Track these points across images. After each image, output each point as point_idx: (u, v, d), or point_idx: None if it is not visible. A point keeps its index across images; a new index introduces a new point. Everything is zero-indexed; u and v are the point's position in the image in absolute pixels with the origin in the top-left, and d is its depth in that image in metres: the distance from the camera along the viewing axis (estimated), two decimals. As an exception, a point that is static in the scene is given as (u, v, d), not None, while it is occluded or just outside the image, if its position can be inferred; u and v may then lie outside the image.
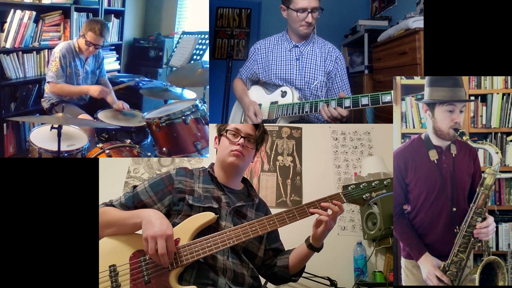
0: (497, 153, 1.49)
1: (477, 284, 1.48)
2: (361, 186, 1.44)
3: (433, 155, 1.61)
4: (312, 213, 1.38)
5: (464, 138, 1.52)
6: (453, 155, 1.62)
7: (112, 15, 3.76)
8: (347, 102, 1.86)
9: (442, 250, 1.59)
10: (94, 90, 2.73)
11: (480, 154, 2.14)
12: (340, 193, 1.42)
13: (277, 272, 1.50)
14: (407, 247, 1.67)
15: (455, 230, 1.57)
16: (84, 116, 2.63)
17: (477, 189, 1.52)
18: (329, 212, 1.37)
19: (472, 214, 1.52)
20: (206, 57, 3.45)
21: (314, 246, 1.42)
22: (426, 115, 1.64)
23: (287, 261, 1.49)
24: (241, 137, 1.51)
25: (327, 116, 1.90)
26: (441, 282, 1.54)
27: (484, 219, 1.52)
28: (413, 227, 1.66)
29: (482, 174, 1.54)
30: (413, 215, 1.68)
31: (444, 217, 1.61)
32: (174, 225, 1.36)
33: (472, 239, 1.52)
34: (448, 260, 1.55)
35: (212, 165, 1.60)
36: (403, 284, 1.75)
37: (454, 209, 1.59)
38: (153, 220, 1.29)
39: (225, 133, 1.54)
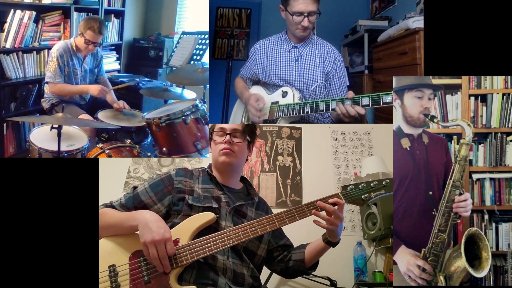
0: (468, 125, 1.52)
1: (463, 256, 1.44)
2: (360, 186, 1.44)
3: (405, 143, 1.63)
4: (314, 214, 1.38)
5: (435, 120, 1.57)
6: (425, 143, 1.64)
7: (112, 15, 3.76)
8: (365, 101, 1.82)
9: (419, 238, 1.57)
10: (93, 89, 2.73)
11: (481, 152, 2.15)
12: (339, 194, 1.43)
13: (293, 266, 1.52)
14: None
15: (433, 213, 1.56)
16: (84, 116, 2.63)
17: (453, 161, 1.53)
18: (329, 210, 1.37)
19: (450, 188, 1.52)
20: (206, 58, 3.45)
21: (330, 241, 1.44)
22: (395, 104, 1.66)
23: (303, 255, 1.51)
24: (227, 134, 1.52)
25: (342, 113, 1.85)
26: (422, 272, 1.51)
27: (461, 193, 1.52)
28: None
29: (457, 146, 1.55)
30: None
31: (419, 202, 1.60)
32: (174, 225, 1.37)
33: (452, 214, 1.51)
34: (428, 243, 1.53)
35: (211, 165, 1.61)
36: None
37: (430, 192, 1.59)
38: (149, 224, 1.29)
39: (212, 135, 1.56)
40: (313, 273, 2.22)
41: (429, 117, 1.58)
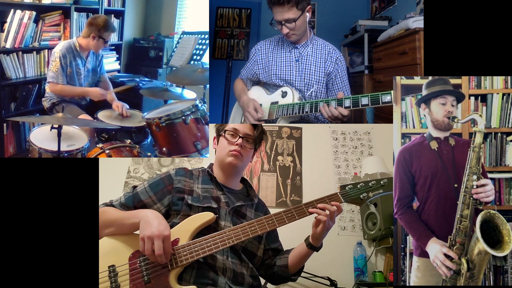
0: (480, 116, 1.63)
1: (480, 239, 1.47)
2: (358, 186, 1.44)
3: (434, 144, 1.77)
4: (311, 213, 1.38)
5: (456, 120, 1.71)
6: (452, 145, 1.77)
7: (112, 15, 3.76)
8: (347, 102, 1.87)
9: (450, 230, 1.63)
10: (94, 93, 2.73)
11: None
12: (338, 193, 1.43)
13: (277, 272, 1.50)
14: (415, 236, 1.73)
15: (457, 202, 1.62)
16: (84, 116, 2.63)
17: (468, 150, 1.62)
18: (327, 212, 1.37)
19: (467, 174, 1.60)
20: (206, 58, 3.45)
21: (313, 245, 1.42)
22: (425, 113, 1.82)
23: (286, 261, 1.49)
24: (240, 137, 1.51)
25: (328, 115, 1.90)
26: (448, 259, 1.56)
27: (479, 178, 1.59)
28: (421, 218, 1.74)
29: (472, 135, 1.64)
30: (422, 206, 1.76)
31: (449, 197, 1.69)
32: (173, 225, 1.36)
33: (472, 199, 1.58)
34: (453, 230, 1.59)
35: (211, 165, 1.61)
36: (410, 284, 1.78)
37: (456, 185, 1.68)
38: (150, 221, 1.29)
39: (223, 134, 1.54)
40: (313, 273, 2.24)
41: (451, 118, 1.73)
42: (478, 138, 1.61)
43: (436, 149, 1.76)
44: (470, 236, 1.56)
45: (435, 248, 1.61)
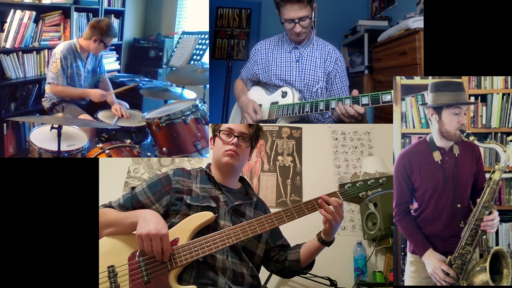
0: (504, 151, 1.57)
1: (488, 272, 1.51)
2: (357, 184, 1.45)
3: (437, 156, 1.68)
4: (320, 205, 1.39)
5: (471, 138, 1.60)
6: (456, 155, 1.69)
7: (112, 15, 3.76)
8: (365, 100, 1.82)
9: (442, 246, 1.65)
10: (94, 94, 2.73)
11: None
12: (337, 192, 1.43)
13: (289, 266, 1.52)
14: (412, 243, 1.73)
15: (461, 225, 1.63)
16: (84, 116, 2.63)
17: (485, 184, 1.59)
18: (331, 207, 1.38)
19: (480, 208, 1.58)
20: (206, 58, 3.45)
21: (325, 240, 1.44)
22: (432, 119, 1.71)
23: (298, 255, 1.51)
24: (235, 136, 1.52)
25: (342, 113, 1.85)
26: (447, 276, 1.58)
27: (490, 213, 1.59)
28: (416, 224, 1.72)
29: (491, 171, 1.60)
30: (419, 212, 1.74)
31: (446, 213, 1.67)
32: (172, 225, 1.37)
33: (479, 232, 1.58)
34: (455, 253, 1.60)
35: (209, 165, 1.61)
36: (405, 280, 1.78)
37: (459, 205, 1.66)
38: (148, 219, 1.30)
39: (218, 134, 1.55)
40: (313, 273, 2.24)
41: (465, 134, 1.63)
42: (497, 175, 1.57)
43: (439, 161, 1.68)
44: (469, 260, 1.59)
45: (433, 262, 1.62)
